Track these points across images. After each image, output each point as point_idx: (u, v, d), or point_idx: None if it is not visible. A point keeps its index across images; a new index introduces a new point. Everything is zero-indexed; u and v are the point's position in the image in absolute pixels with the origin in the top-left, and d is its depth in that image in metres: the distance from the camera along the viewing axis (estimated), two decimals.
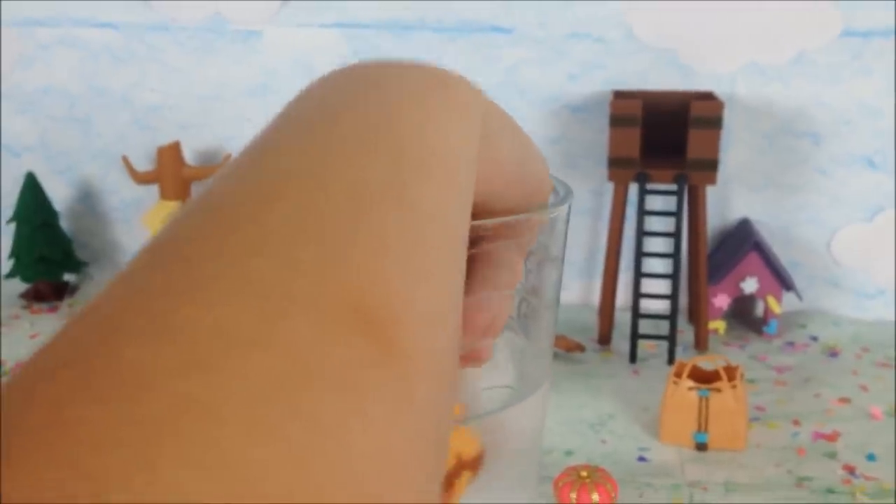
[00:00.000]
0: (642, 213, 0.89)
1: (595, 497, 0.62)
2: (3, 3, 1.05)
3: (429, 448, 0.15)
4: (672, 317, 0.89)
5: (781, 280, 0.95)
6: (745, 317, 1.01)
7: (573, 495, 0.62)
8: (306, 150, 0.19)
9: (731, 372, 0.74)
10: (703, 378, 0.74)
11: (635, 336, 0.89)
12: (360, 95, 0.22)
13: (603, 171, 0.98)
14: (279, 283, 0.15)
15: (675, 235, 0.88)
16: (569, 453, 0.72)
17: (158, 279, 0.15)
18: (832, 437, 0.74)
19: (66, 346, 0.14)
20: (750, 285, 0.95)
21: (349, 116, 0.21)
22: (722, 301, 0.96)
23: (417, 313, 0.16)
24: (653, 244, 0.93)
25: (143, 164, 1.07)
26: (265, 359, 0.13)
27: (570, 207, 0.40)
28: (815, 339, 0.95)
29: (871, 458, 0.70)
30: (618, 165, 0.88)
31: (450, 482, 0.37)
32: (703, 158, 0.86)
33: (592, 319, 0.98)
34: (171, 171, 1.03)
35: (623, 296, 0.99)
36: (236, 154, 0.20)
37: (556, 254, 0.40)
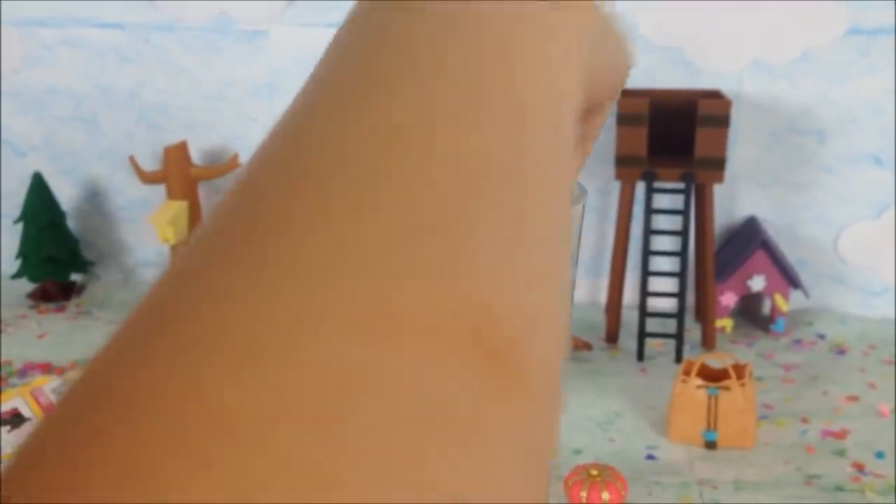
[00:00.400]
0: (649, 211, 0.89)
1: (605, 495, 0.62)
2: (5, 3, 1.05)
3: (543, 482, 0.14)
4: (679, 315, 0.89)
5: (788, 278, 0.95)
6: (752, 315, 1.01)
7: (583, 494, 0.62)
8: (394, 114, 0.15)
9: (739, 370, 0.74)
10: (712, 376, 0.75)
11: (642, 334, 0.90)
12: (447, 40, 0.17)
13: (610, 169, 0.97)
14: (386, 302, 0.12)
15: (683, 234, 0.88)
16: (577, 452, 0.72)
17: (223, 289, 0.13)
18: (841, 435, 0.74)
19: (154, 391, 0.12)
20: (757, 283, 0.95)
21: (446, 64, 0.17)
22: (729, 299, 0.96)
23: (537, 328, 0.14)
24: (660, 242, 0.93)
25: (150, 164, 1.07)
26: (380, 407, 0.12)
27: (584, 207, 0.40)
28: (822, 336, 0.95)
29: (879, 455, 0.70)
30: (625, 164, 0.88)
31: None
32: (711, 157, 0.86)
33: (599, 318, 0.98)
34: (177, 171, 1.03)
35: (630, 294, 0.99)
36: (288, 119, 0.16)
37: (571, 254, 0.40)
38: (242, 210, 0.14)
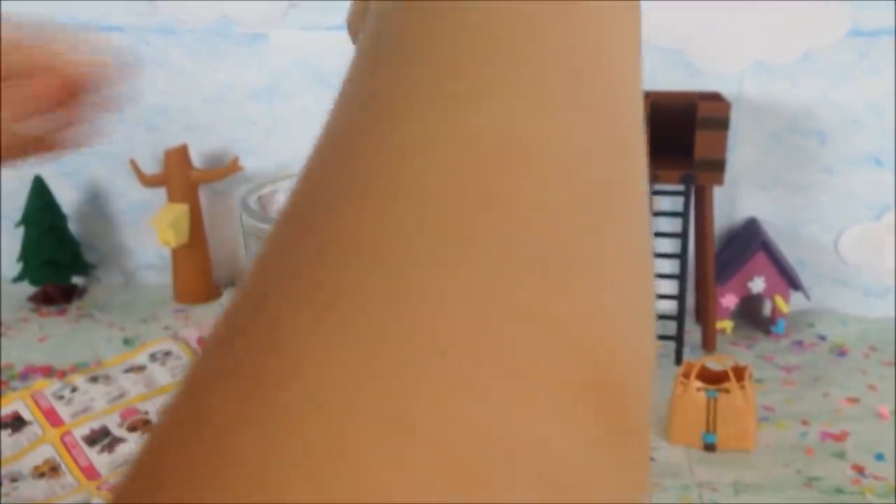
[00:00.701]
0: (649, 213, 0.88)
1: None
2: (5, 4, 1.05)
3: None
4: (679, 317, 0.89)
5: (789, 279, 0.95)
6: (752, 316, 1.01)
7: None
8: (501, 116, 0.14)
9: (739, 372, 0.74)
10: (712, 379, 0.75)
11: None
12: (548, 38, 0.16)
13: None
14: (511, 341, 0.12)
15: (683, 236, 0.88)
16: None
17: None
18: (841, 437, 0.74)
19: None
20: (757, 285, 0.95)
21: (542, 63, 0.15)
22: (729, 301, 0.96)
23: (638, 369, 0.14)
24: (660, 245, 0.93)
25: (151, 167, 1.07)
26: (510, 466, 0.11)
27: None
28: (822, 338, 0.95)
29: (879, 457, 0.70)
30: None
31: None
32: (711, 159, 0.86)
33: None
34: (178, 174, 1.03)
35: None
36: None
37: None
38: (331, 237, 0.13)
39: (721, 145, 0.86)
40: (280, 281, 0.13)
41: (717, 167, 0.86)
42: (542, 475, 0.11)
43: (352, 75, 0.16)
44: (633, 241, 0.15)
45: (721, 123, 0.85)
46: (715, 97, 0.90)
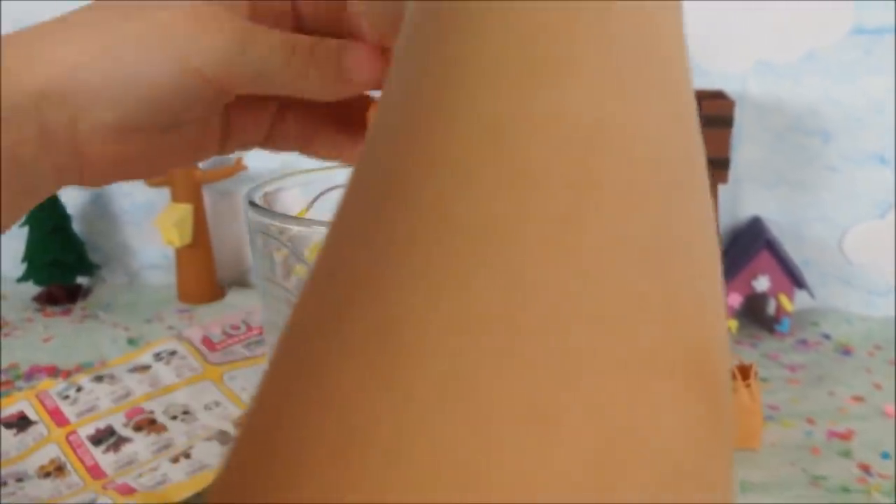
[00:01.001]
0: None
1: None
2: (5, 3, 1.05)
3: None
4: None
5: (793, 278, 0.95)
6: (757, 315, 1.01)
7: None
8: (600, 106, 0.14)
9: (744, 371, 0.74)
10: None
11: None
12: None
13: None
14: (627, 330, 0.12)
15: None
16: None
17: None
18: (847, 436, 0.74)
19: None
20: (762, 283, 0.95)
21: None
22: (734, 299, 0.96)
23: (725, 354, 0.14)
24: None
25: None
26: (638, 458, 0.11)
27: None
28: (827, 336, 0.95)
29: (885, 456, 0.70)
30: None
31: None
32: (715, 157, 0.86)
33: None
34: (182, 174, 1.03)
35: None
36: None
37: None
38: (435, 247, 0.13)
39: (725, 143, 0.86)
40: (381, 257, 0.12)
41: (721, 165, 0.86)
42: (668, 462, 0.11)
43: (411, 55, 0.15)
44: (709, 222, 0.15)
45: (725, 121, 0.85)
46: (719, 96, 0.90)
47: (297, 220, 0.36)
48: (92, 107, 0.31)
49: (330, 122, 0.37)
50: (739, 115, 0.96)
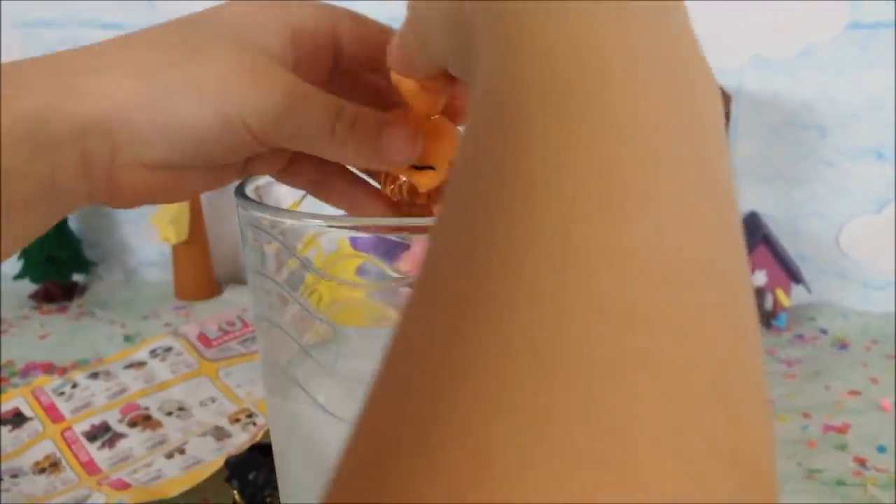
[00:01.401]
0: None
1: None
2: (6, 4, 1.05)
3: None
4: None
5: (790, 273, 0.94)
6: None
7: None
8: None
9: None
10: None
11: None
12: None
13: None
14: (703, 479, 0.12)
15: None
16: None
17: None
18: (842, 430, 0.74)
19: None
20: (758, 279, 0.94)
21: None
22: None
23: (770, 466, 0.14)
24: None
25: None
26: None
27: None
28: (824, 331, 0.95)
29: (881, 449, 0.70)
30: None
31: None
32: None
33: None
34: None
35: None
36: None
37: None
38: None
39: None
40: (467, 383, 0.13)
41: None
42: None
43: (479, 161, 0.16)
44: (757, 334, 0.15)
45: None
46: None
47: (289, 213, 0.36)
48: (133, 144, 0.32)
49: (344, 173, 0.38)
50: (736, 111, 0.96)
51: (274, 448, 0.42)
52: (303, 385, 0.38)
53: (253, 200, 0.38)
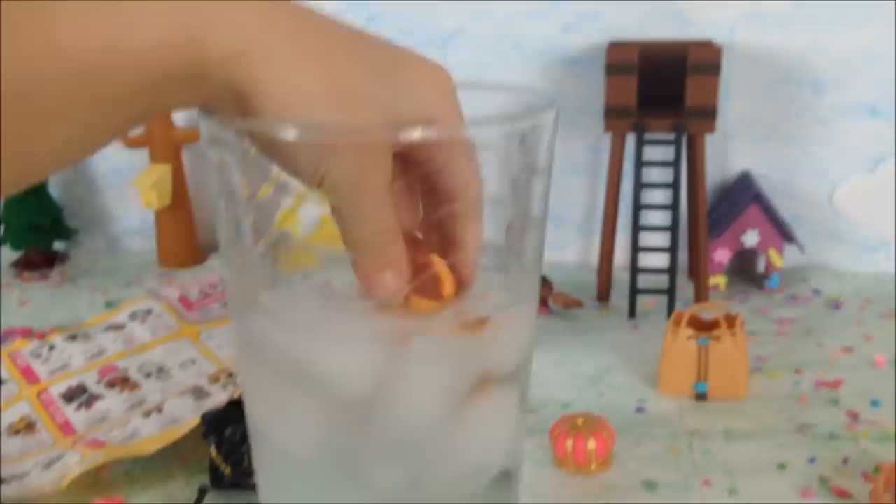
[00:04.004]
0: (640, 164, 0.86)
1: (591, 444, 0.60)
2: None
3: None
4: (671, 270, 0.87)
5: (783, 232, 0.93)
6: (746, 272, 0.99)
7: (569, 443, 0.61)
8: None
9: (730, 320, 0.73)
10: (703, 328, 0.73)
11: (634, 291, 0.88)
12: None
13: (599, 127, 0.96)
14: None
15: (674, 186, 0.86)
16: (565, 406, 0.70)
17: None
18: (835, 385, 0.72)
19: None
20: (751, 238, 0.93)
21: None
22: (722, 255, 0.94)
23: None
24: (651, 196, 0.91)
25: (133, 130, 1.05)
26: None
27: (556, 118, 0.38)
28: (817, 292, 0.93)
29: (874, 403, 0.69)
30: (614, 115, 0.86)
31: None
32: (702, 106, 0.84)
33: (590, 279, 0.96)
34: (160, 134, 1.01)
35: (621, 255, 0.97)
36: None
37: (543, 166, 0.39)
38: None
39: (713, 91, 0.84)
40: None
41: (708, 114, 0.84)
42: None
43: None
44: None
45: (712, 69, 0.83)
46: (706, 45, 0.88)
47: (260, 123, 0.33)
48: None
49: None
50: (727, 67, 0.93)
51: (238, 373, 0.41)
52: (268, 308, 0.37)
53: (214, 115, 0.36)
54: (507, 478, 0.41)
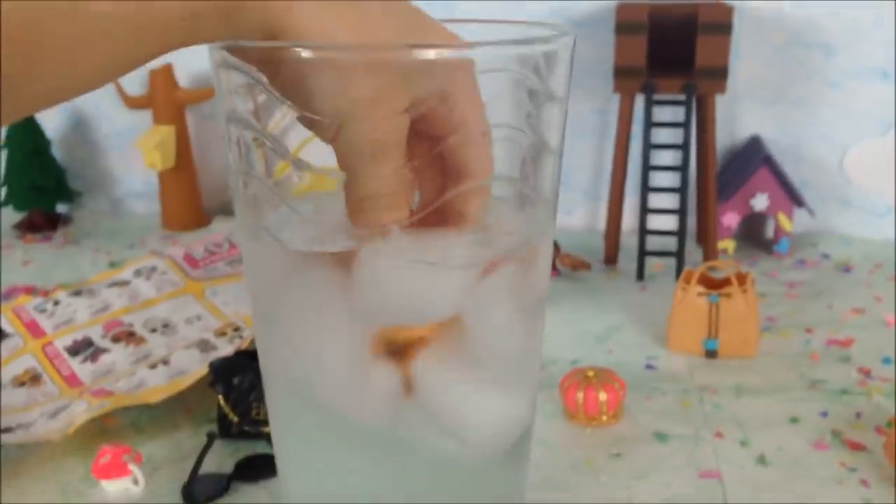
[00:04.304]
0: (649, 124, 0.86)
1: (602, 396, 0.60)
2: None
3: None
4: (680, 233, 0.86)
5: (792, 196, 0.92)
6: (754, 237, 0.99)
7: (580, 395, 0.60)
8: None
9: (741, 278, 0.72)
10: (713, 286, 0.72)
11: (643, 253, 0.87)
12: None
13: (607, 90, 0.95)
14: None
15: (684, 147, 0.85)
16: (574, 362, 0.70)
17: None
18: (846, 343, 0.72)
19: None
20: (760, 202, 0.92)
21: None
22: (731, 219, 0.93)
23: None
24: (660, 157, 0.90)
25: (136, 90, 1.04)
26: None
27: (573, 45, 0.37)
28: (826, 256, 0.93)
29: (886, 361, 0.68)
30: (624, 75, 0.85)
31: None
32: (712, 66, 0.83)
33: (598, 244, 0.95)
34: (163, 95, 1.00)
35: (629, 220, 0.96)
36: None
37: (560, 94, 0.38)
38: None
39: (723, 51, 0.83)
40: None
41: (719, 74, 0.83)
42: None
43: None
44: None
45: (723, 28, 0.82)
46: (717, 4, 0.87)
47: (276, 44, 0.32)
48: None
49: None
50: (738, 30, 0.92)
51: (250, 294, 0.40)
52: (274, 233, 0.36)
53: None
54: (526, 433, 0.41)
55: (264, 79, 0.33)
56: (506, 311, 0.37)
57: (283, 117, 0.36)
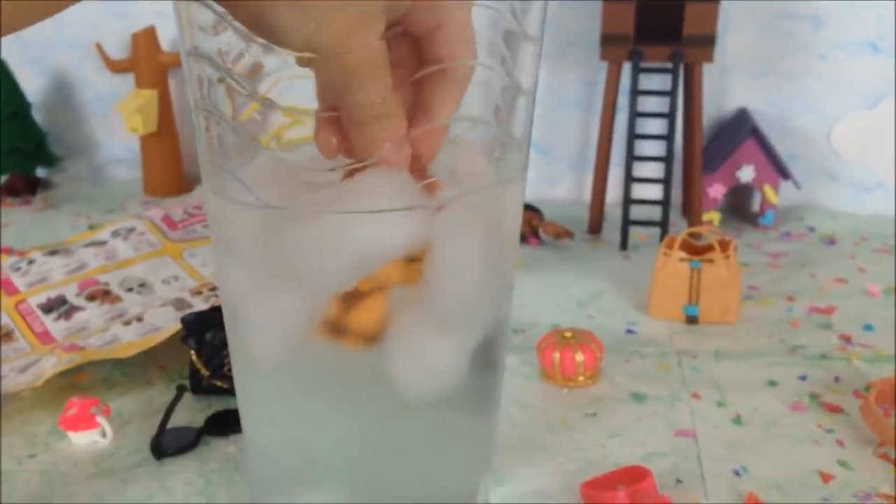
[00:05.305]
0: (636, 92, 0.85)
1: (580, 356, 0.59)
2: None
3: None
4: (665, 202, 0.85)
5: (779, 168, 0.91)
6: (740, 210, 0.98)
7: (556, 355, 0.59)
8: None
9: (724, 245, 0.71)
10: (696, 252, 0.72)
11: (626, 222, 0.86)
12: None
13: (594, 59, 0.94)
14: None
15: (670, 116, 0.84)
16: (554, 326, 0.69)
17: None
18: (828, 311, 0.71)
19: None
20: (746, 174, 0.91)
21: None
22: (717, 191, 0.93)
23: None
24: (647, 126, 0.90)
25: (118, 54, 1.02)
26: None
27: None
28: (811, 229, 0.92)
29: (867, 328, 0.68)
30: (611, 42, 0.84)
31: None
32: (700, 34, 0.82)
33: (582, 215, 0.95)
34: (146, 59, 0.99)
35: (614, 191, 0.96)
36: None
37: (535, 34, 0.37)
38: None
39: (712, 19, 0.82)
40: None
41: (707, 43, 0.83)
42: None
43: None
44: None
45: None
46: None
47: None
48: None
49: None
50: (726, 2, 0.92)
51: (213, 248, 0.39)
52: (238, 176, 0.35)
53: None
54: (488, 348, 0.40)
55: (225, 11, 0.32)
56: (463, 251, 0.36)
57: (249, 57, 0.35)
